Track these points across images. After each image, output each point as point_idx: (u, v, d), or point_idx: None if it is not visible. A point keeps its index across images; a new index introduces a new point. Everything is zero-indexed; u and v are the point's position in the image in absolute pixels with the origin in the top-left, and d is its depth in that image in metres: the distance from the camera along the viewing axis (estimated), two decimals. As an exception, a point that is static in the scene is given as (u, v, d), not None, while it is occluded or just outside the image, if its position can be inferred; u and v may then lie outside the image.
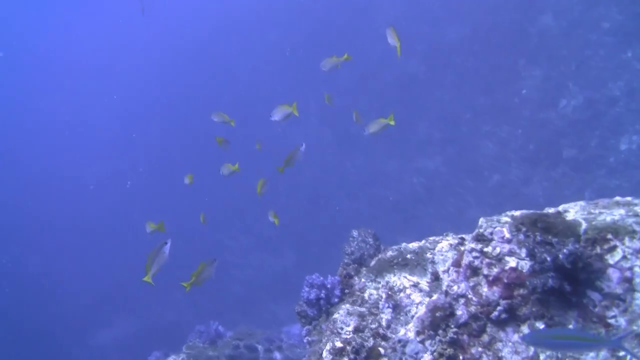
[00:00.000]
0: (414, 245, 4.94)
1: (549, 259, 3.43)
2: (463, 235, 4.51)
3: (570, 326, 3.42)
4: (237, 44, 29.15)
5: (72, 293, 25.50)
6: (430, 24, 19.70)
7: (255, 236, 23.21)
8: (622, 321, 3.27)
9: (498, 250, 3.72)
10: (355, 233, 5.32)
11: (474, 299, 3.75)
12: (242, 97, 27.21)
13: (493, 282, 3.69)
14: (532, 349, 3.51)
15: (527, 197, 14.76)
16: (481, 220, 3.93)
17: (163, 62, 33.57)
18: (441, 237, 4.80)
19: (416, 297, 4.35)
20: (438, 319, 3.85)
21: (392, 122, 5.88)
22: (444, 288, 4.01)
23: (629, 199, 3.81)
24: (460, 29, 18.98)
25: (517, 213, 3.85)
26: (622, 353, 3.23)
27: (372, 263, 5.03)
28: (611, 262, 3.38)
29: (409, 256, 4.73)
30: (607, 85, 14.15)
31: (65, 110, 38.42)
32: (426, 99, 19.18)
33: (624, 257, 3.35)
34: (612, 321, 3.30)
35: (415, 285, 4.42)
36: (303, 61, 23.86)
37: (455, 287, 3.89)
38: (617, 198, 3.86)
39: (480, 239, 3.83)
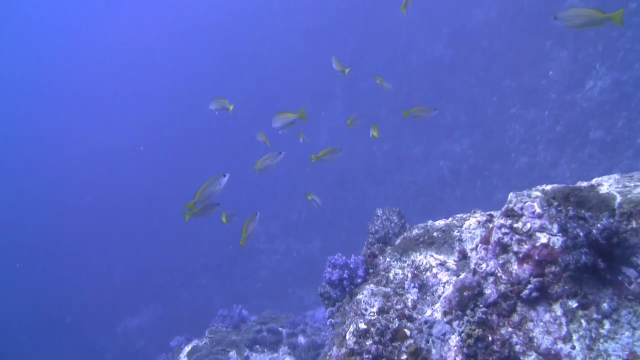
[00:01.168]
0: (440, 222, 4.80)
1: (582, 234, 3.28)
2: (491, 212, 4.38)
3: (605, 305, 3.28)
4: (262, 28, 29.18)
5: (100, 281, 25.83)
6: (456, 7, 19.50)
7: (282, 221, 23.28)
8: (660, 298, 3.13)
9: (529, 225, 3.58)
10: (379, 212, 5.20)
11: (503, 277, 3.62)
12: (269, 83, 27.28)
13: (523, 259, 3.56)
14: (564, 328, 3.39)
15: (555, 179, 14.56)
16: (511, 195, 3.79)
17: (194, 43, 33.74)
18: (468, 214, 4.66)
19: (443, 276, 4.21)
20: (466, 299, 3.73)
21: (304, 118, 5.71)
22: (472, 266, 3.89)
23: (666, 171, 3.65)
24: (487, 11, 18.78)
25: (548, 187, 3.71)
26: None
27: (397, 242, 4.91)
28: (648, 237, 3.23)
29: (435, 234, 4.59)
30: (634, 67, 13.97)
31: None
32: (453, 83, 19.03)
33: (662, 232, 3.20)
34: (649, 298, 3.16)
35: (442, 264, 4.29)
36: (329, 45, 23.82)
37: (483, 265, 3.76)
38: (654, 170, 3.71)
39: (510, 214, 3.69)
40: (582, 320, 3.32)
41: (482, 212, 4.55)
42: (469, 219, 4.45)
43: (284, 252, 22.64)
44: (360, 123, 7.53)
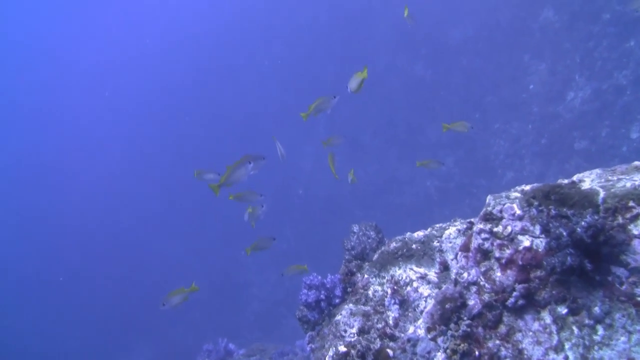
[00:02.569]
0: (419, 234, 4.56)
1: (565, 233, 3.06)
2: (472, 220, 4.15)
3: (596, 308, 3.04)
4: (241, 56, 29.20)
5: (93, 319, 25.40)
6: (433, 27, 19.52)
7: (270, 251, 22.93)
8: (654, 298, 2.90)
9: (509, 229, 3.36)
10: (355, 227, 4.97)
11: (486, 285, 3.39)
12: (248, 110, 27.20)
13: (506, 265, 3.33)
14: (555, 337, 3.14)
15: (543, 192, 14.37)
16: (489, 198, 3.57)
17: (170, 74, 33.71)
18: (448, 223, 4.43)
19: (424, 290, 3.96)
20: (449, 312, 3.48)
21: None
22: (452, 276, 3.65)
23: (650, 162, 3.45)
24: (464, 29, 18.82)
25: (527, 187, 3.50)
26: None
27: (375, 257, 4.66)
28: (635, 232, 3.00)
29: (414, 246, 4.35)
30: (613, 75, 13.95)
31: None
32: (434, 102, 18.97)
33: (650, 226, 2.98)
34: (642, 298, 2.93)
35: (423, 277, 4.04)
36: (308, 71, 23.79)
37: (465, 274, 3.52)
38: (637, 162, 3.50)
39: (489, 218, 3.47)
40: (574, 327, 3.08)
41: (462, 220, 4.33)
42: (448, 228, 4.22)
43: (275, 282, 22.29)
44: (341, 144, 7.29)
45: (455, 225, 4.22)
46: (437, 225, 4.53)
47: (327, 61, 23.65)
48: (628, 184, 3.17)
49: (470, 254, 3.51)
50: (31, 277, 30.71)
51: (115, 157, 35.08)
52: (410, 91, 19.76)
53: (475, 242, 3.48)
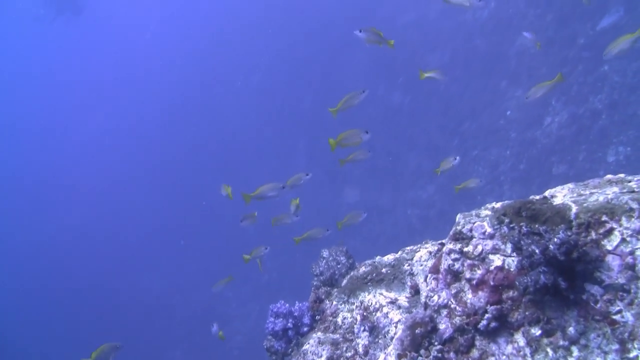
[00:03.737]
0: (389, 257, 4.40)
1: (537, 251, 2.92)
2: (443, 241, 4.00)
3: (571, 329, 2.89)
4: (220, 86, 29.19)
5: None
6: (410, 54, 19.60)
7: (252, 285, 22.65)
8: (628, 316, 2.75)
9: (480, 248, 3.21)
10: (325, 252, 4.80)
11: (457, 308, 3.23)
12: (229, 141, 27.11)
13: (477, 286, 3.17)
14: (528, 357, 2.98)
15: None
16: (458, 217, 3.44)
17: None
18: (419, 245, 4.28)
19: (395, 315, 3.78)
20: (419, 337, 3.31)
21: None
22: (423, 300, 3.48)
23: (621, 175, 3.33)
24: (440, 56, 18.94)
25: (498, 204, 3.37)
26: (632, 354, 2.71)
27: (344, 282, 4.48)
28: (609, 247, 2.87)
29: (384, 270, 4.19)
30: (589, 100, 14.03)
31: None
32: (413, 130, 18.96)
33: (623, 240, 2.85)
34: (617, 317, 2.78)
35: (393, 302, 3.87)
36: (287, 101, 23.80)
37: (435, 297, 3.36)
38: (609, 176, 3.39)
39: (459, 237, 3.32)
40: (548, 349, 2.92)
41: (433, 242, 4.18)
42: (419, 251, 4.07)
43: (258, 316, 21.94)
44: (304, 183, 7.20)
45: (426, 248, 4.07)
46: (408, 248, 4.38)
47: (306, 91, 23.69)
48: (601, 198, 3.05)
49: (440, 276, 3.36)
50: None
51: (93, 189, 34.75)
52: (389, 119, 19.77)
53: (445, 263, 3.33)
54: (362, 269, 4.40)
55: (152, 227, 28.32)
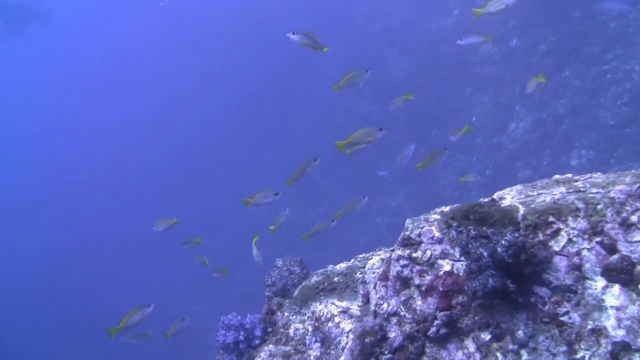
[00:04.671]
0: (341, 266, 4.31)
1: (485, 254, 2.86)
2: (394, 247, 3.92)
3: (520, 332, 2.83)
4: (188, 105, 28.96)
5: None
6: (375, 64, 19.63)
7: (224, 298, 22.35)
8: (575, 317, 2.70)
9: (429, 253, 3.14)
10: (279, 262, 4.70)
11: (407, 315, 3.14)
12: (197, 158, 26.86)
13: (427, 292, 3.10)
14: (481, 366, 2.91)
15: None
16: (407, 222, 3.36)
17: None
18: (371, 253, 4.20)
19: (346, 325, 3.68)
20: (369, 346, 3.22)
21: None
22: (372, 308, 3.40)
23: (569, 175, 3.30)
24: (406, 65, 18.99)
25: (447, 208, 3.30)
26: (579, 355, 2.65)
27: (296, 293, 4.37)
28: (556, 248, 2.82)
29: (336, 279, 4.09)
30: (552, 105, 14.18)
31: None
32: (380, 139, 18.93)
33: (570, 241, 2.80)
34: (565, 319, 2.73)
35: (345, 312, 3.77)
36: (256, 114, 23.65)
37: (384, 305, 3.27)
38: (557, 176, 3.35)
39: (408, 243, 3.25)
40: (498, 354, 2.86)
41: (386, 249, 4.10)
42: (372, 258, 3.99)
43: (230, 330, 21.64)
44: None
45: (378, 255, 4.00)
46: (361, 256, 4.29)
47: (275, 104, 23.59)
48: (548, 199, 3.01)
49: (390, 283, 3.28)
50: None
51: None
52: (357, 128, 19.75)
53: (394, 270, 3.25)
54: (314, 279, 4.30)
55: (132, 240, 27.84)
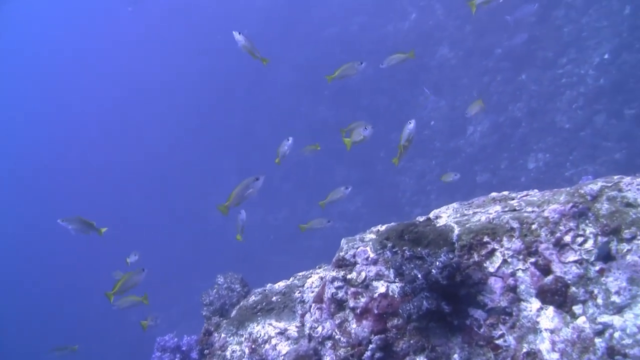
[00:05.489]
0: (280, 285, 4.18)
1: (420, 275, 2.76)
2: (334, 266, 3.81)
3: (455, 356, 2.74)
4: (145, 110, 28.61)
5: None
6: (333, 68, 19.54)
7: (182, 305, 22.00)
8: (511, 340, 2.62)
9: (363, 275, 3.04)
10: (220, 279, 4.54)
11: (342, 339, 3.03)
12: (158, 163, 26.54)
13: (362, 315, 2.99)
14: (417, 391, 2.82)
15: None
16: (342, 242, 3.25)
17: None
18: (311, 270, 4.09)
19: (283, 347, 3.56)
20: (304, 371, 3.11)
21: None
22: (306, 331, 3.28)
23: (505, 193, 3.23)
24: (364, 68, 18.94)
25: (382, 227, 3.20)
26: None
27: (233, 313, 4.22)
28: (491, 269, 2.75)
29: (274, 299, 3.96)
30: (509, 108, 14.31)
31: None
32: (339, 143, 18.76)
33: (505, 262, 2.73)
34: (500, 342, 2.65)
35: (283, 333, 3.65)
36: (217, 119, 23.42)
37: (319, 329, 3.16)
38: (494, 194, 3.28)
39: (342, 264, 3.14)
40: (433, 379, 2.76)
41: (326, 266, 3.99)
42: (311, 277, 3.88)
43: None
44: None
45: (317, 273, 3.89)
46: (300, 274, 4.17)
47: (236, 109, 23.38)
48: (483, 218, 2.93)
49: (324, 305, 3.17)
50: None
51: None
52: (316, 133, 19.64)
53: (328, 292, 3.14)
54: (252, 298, 4.15)
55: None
